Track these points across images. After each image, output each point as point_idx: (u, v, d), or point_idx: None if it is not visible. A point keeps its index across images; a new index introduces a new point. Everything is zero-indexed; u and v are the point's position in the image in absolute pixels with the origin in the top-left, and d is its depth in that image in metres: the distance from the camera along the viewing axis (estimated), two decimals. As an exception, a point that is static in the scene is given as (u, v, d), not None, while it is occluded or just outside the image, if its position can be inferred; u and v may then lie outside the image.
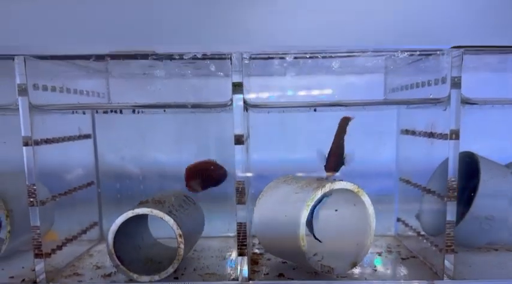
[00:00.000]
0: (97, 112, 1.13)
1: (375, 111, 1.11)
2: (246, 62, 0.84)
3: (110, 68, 1.08)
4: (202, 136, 1.18)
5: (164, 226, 0.93)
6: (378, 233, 0.96)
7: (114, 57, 0.89)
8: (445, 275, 0.87)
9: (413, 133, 1.04)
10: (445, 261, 0.86)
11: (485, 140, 1.08)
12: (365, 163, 1.13)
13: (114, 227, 0.87)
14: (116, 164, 1.18)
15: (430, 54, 0.87)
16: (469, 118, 0.87)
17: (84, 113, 1.11)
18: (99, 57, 0.89)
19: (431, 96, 0.89)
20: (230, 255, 1.04)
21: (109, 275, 0.93)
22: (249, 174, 0.88)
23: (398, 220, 1.15)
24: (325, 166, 0.93)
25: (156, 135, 1.19)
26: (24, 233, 0.98)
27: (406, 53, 0.85)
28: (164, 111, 0.95)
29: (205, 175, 1.05)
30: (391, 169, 1.17)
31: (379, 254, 1.03)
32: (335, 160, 0.93)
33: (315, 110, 0.93)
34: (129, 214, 0.87)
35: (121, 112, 0.95)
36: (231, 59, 0.83)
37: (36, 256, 0.89)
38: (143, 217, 1.04)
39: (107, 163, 1.18)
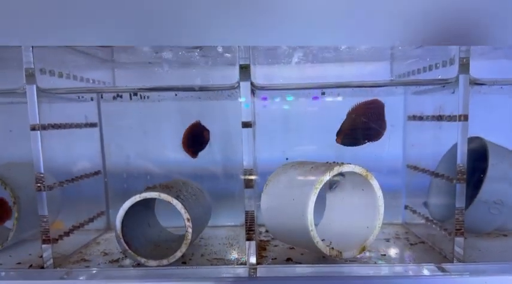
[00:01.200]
0: (102, 97, 1.13)
1: (382, 97, 1.10)
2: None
3: (116, 57, 1.09)
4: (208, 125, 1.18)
5: (170, 216, 0.95)
6: (385, 222, 0.95)
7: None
8: (454, 258, 0.86)
9: (420, 118, 1.04)
10: (455, 244, 0.86)
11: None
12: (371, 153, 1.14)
13: (121, 211, 0.87)
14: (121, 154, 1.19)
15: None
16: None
17: (92, 99, 1.12)
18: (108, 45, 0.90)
19: (439, 77, 0.88)
20: (237, 242, 1.04)
21: (117, 260, 0.93)
22: (253, 177, 0.88)
23: (406, 207, 1.14)
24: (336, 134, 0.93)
25: (161, 124, 1.19)
26: (31, 222, 0.99)
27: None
28: (176, 95, 0.95)
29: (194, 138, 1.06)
30: (397, 157, 1.16)
31: (387, 240, 1.03)
32: (344, 133, 0.93)
33: (323, 93, 0.93)
34: (137, 198, 0.87)
35: (130, 98, 0.95)
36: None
37: (44, 241, 0.89)
38: (150, 205, 1.04)
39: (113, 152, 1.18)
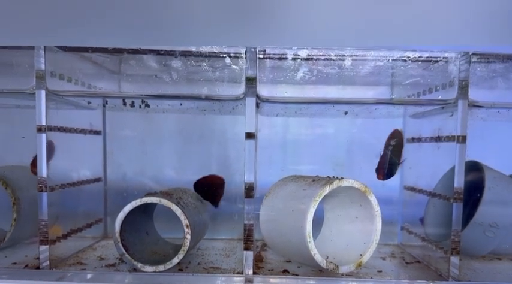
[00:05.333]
0: (107, 103, 1.14)
1: (382, 120, 1.13)
2: (260, 56, 0.87)
3: (123, 69, 1.11)
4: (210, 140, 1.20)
5: (168, 227, 0.97)
6: (381, 242, 0.96)
7: (131, 51, 0.92)
8: (450, 277, 0.87)
9: (419, 140, 1.06)
10: (450, 264, 0.86)
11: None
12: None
13: (121, 214, 0.87)
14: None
15: (438, 61, 0.90)
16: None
17: (104, 105, 1.14)
18: (116, 51, 0.92)
19: (439, 98, 0.91)
20: (234, 253, 1.04)
21: (113, 265, 0.93)
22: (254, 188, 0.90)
23: (402, 228, 1.15)
24: (376, 171, 0.97)
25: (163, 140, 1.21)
26: (29, 224, 0.99)
27: (413, 57, 0.88)
28: (181, 104, 0.97)
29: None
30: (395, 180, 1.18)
31: (383, 259, 1.03)
32: (383, 167, 0.97)
33: (345, 113, 0.95)
34: (138, 202, 0.87)
35: (144, 105, 0.97)
36: (246, 54, 0.86)
37: (41, 242, 0.89)
38: (149, 213, 1.05)
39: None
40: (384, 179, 1.03)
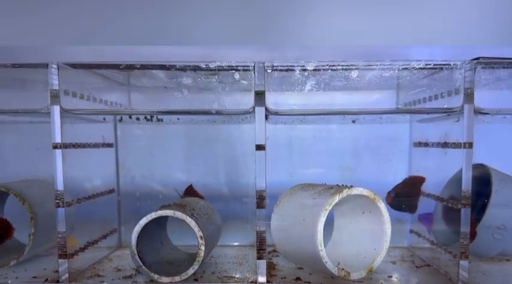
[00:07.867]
0: (121, 119, 1.17)
1: (388, 124, 1.15)
2: (269, 71, 0.89)
3: (134, 82, 1.13)
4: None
5: (181, 235, 0.99)
6: (391, 245, 0.97)
7: (143, 67, 0.94)
8: (460, 281, 0.88)
9: (426, 145, 1.07)
10: (460, 268, 0.88)
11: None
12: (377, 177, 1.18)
13: (137, 228, 0.90)
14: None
15: (442, 68, 0.91)
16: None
17: (120, 119, 1.17)
18: (128, 67, 0.94)
19: (445, 106, 0.92)
20: (247, 261, 1.06)
21: (130, 276, 0.95)
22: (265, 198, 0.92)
23: (411, 231, 1.17)
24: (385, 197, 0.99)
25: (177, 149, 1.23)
26: (46, 237, 1.02)
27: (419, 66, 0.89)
28: (178, 119, 0.99)
29: None
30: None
31: (394, 263, 1.05)
32: (394, 197, 1.02)
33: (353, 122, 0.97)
34: (153, 215, 0.90)
35: (155, 119, 1.00)
36: (254, 68, 0.88)
37: (60, 256, 0.91)
38: (162, 223, 1.07)
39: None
40: (390, 206, 1.05)
